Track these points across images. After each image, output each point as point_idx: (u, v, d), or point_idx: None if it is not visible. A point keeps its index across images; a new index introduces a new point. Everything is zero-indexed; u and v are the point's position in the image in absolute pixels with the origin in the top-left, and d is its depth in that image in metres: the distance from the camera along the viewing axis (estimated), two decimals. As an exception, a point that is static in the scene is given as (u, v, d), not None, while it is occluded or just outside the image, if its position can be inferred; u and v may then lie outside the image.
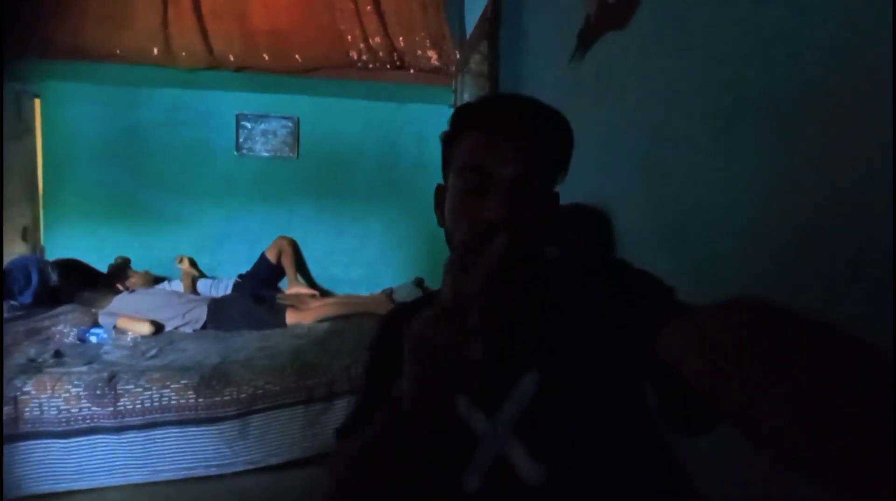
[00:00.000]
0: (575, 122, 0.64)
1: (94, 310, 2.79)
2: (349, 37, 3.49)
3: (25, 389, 1.94)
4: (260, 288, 3.35)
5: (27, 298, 2.84)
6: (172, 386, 2.05)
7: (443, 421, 0.59)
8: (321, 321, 2.94)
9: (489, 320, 0.50)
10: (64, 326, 2.56)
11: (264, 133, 3.67)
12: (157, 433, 2.01)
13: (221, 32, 3.38)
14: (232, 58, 3.53)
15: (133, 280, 3.23)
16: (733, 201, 0.86)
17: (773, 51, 0.78)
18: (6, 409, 1.90)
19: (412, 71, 3.76)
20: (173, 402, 2.03)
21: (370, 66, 3.70)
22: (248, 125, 3.65)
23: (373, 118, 3.72)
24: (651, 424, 0.54)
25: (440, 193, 0.68)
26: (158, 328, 2.74)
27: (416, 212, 3.62)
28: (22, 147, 3.40)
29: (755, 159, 0.81)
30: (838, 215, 0.66)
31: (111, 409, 1.97)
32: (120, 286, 3.15)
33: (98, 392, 1.97)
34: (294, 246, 3.67)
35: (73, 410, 1.95)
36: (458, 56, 3.21)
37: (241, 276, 3.49)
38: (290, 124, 3.68)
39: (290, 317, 2.93)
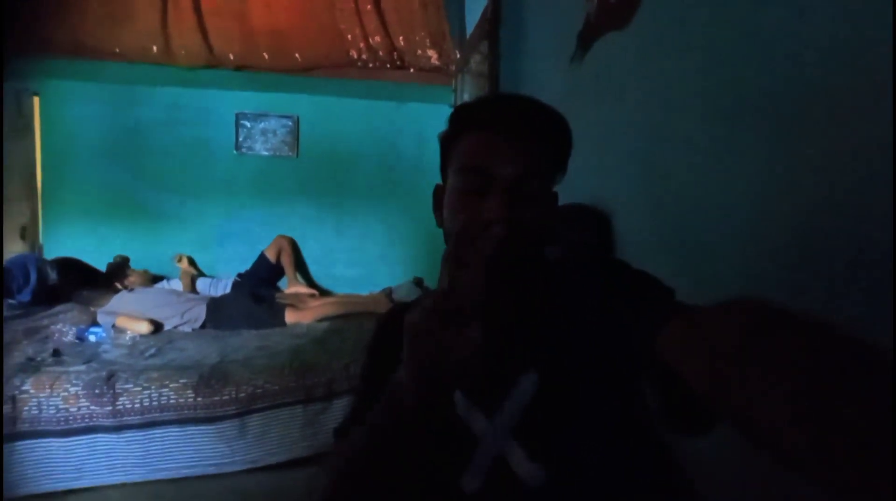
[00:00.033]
0: (575, 122, 0.64)
1: (92, 309, 2.78)
2: (349, 36, 3.49)
3: (24, 388, 1.94)
4: (259, 287, 3.34)
5: (26, 296, 2.83)
6: (171, 385, 2.05)
7: (441, 414, 0.59)
8: (320, 320, 2.94)
9: (488, 318, 0.50)
10: (62, 324, 2.56)
11: (264, 132, 3.67)
12: (157, 432, 2.01)
13: (221, 31, 3.38)
14: (231, 56, 3.53)
15: (132, 279, 3.23)
16: (733, 201, 0.86)
17: (772, 51, 0.78)
18: (5, 408, 1.89)
19: (412, 70, 3.76)
20: (172, 401, 2.03)
21: (370, 65, 3.70)
22: (248, 124, 3.65)
23: (372, 118, 3.72)
24: (651, 424, 0.54)
25: (438, 193, 0.68)
26: (157, 327, 2.74)
27: (415, 211, 3.62)
28: (21, 145, 3.39)
29: (755, 160, 0.81)
30: (838, 215, 0.66)
31: (110, 408, 1.97)
32: (119, 285, 3.15)
33: (97, 391, 1.97)
34: (293, 245, 3.67)
35: (71, 409, 1.95)
36: (459, 55, 3.21)
37: (240, 275, 3.49)
38: (290, 123, 3.68)
39: (290, 316, 2.93)
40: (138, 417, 2.00)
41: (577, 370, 0.56)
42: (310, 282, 3.75)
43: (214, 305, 2.91)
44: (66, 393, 1.95)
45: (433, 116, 3.53)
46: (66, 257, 3.18)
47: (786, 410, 0.32)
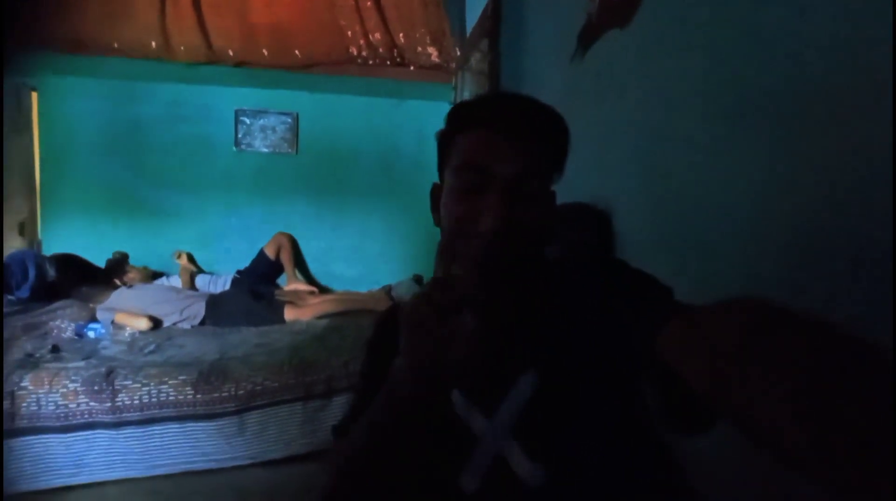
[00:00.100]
0: (576, 120, 0.64)
1: (91, 305, 2.78)
2: (349, 33, 3.48)
3: (23, 384, 1.93)
4: (258, 284, 3.34)
5: (24, 292, 2.83)
6: (170, 382, 2.05)
7: (439, 408, 0.59)
8: (320, 317, 2.94)
9: (485, 315, 0.51)
10: (61, 321, 2.56)
11: (263, 129, 3.66)
12: (156, 428, 2.01)
13: (220, 27, 3.37)
14: (231, 53, 3.52)
15: (131, 275, 3.23)
16: (733, 200, 0.86)
17: (773, 50, 0.78)
18: (4, 404, 1.89)
19: (412, 68, 3.75)
20: (171, 398, 2.03)
21: (370, 62, 3.69)
22: (247, 121, 3.64)
23: (372, 115, 3.72)
24: (651, 424, 0.54)
25: (436, 192, 0.68)
26: (156, 323, 2.74)
27: (415, 209, 3.61)
28: (20, 141, 3.38)
29: (756, 159, 0.81)
30: (838, 214, 0.66)
31: (109, 404, 1.97)
32: (118, 281, 3.15)
33: (96, 388, 1.97)
34: (293, 242, 3.67)
35: (71, 405, 1.95)
36: (459, 53, 3.20)
37: (239, 272, 3.49)
38: (290, 120, 3.67)
39: (289, 313, 2.93)
40: (137, 413, 2.00)
41: (577, 369, 0.56)
42: (309, 279, 3.75)
43: (214, 302, 2.91)
44: (65, 390, 1.95)
45: (433, 114, 3.50)
46: (65, 253, 3.17)
47: (786, 409, 0.32)
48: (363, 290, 3.59)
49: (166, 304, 2.83)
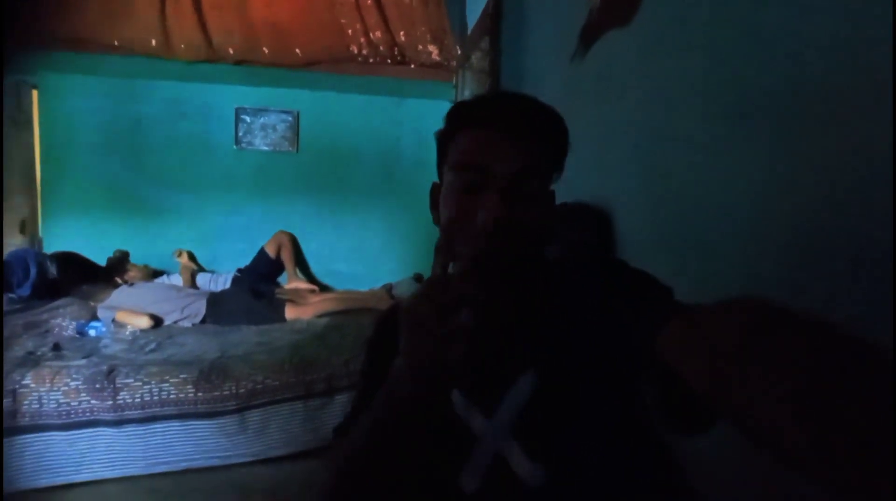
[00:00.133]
0: (576, 119, 0.64)
1: (92, 303, 2.79)
2: (350, 31, 3.48)
3: (24, 382, 1.94)
4: (259, 283, 3.34)
5: (25, 291, 2.83)
6: (171, 380, 2.05)
7: (439, 407, 0.60)
8: (320, 316, 2.94)
9: (484, 314, 0.51)
10: (62, 319, 2.56)
11: (264, 127, 3.66)
12: (157, 426, 2.02)
13: (221, 25, 3.37)
14: (231, 51, 3.52)
15: (132, 274, 3.23)
16: (734, 200, 0.86)
17: (774, 50, 0.78)
18: (5, 402, 1.90)
19: (413, 66, 3.75)
20: (172, 396, 2.03)
21: (370, 60, 3.69)
22: (248, 119, 3.64)
23: (373, 113, 3.71)
24: (651, 424, 0.54)
25: (435, 192, 0.68)
26: (157, 321, 2.74)
27: (415, 207, 3.61)
28: (20, 139, 3.38)
29: (756, 159, 0.81)
30: (838, 215, 0.66)
31: (110, 402, 1.98)
32: (119, 280, 3.15)
33: (97, 386, 1.97)
34: (293, 241, 3.67)
35: (72, 403, 1.96)
36: (460, 51, 3.20)
37: (239, 270, 3.49)
38: (290, 119, 3.67)
39: (290, 312, 2.93)
40: (139, 411, 2.00)
41: (577, 369, 0.56)
42: (310, 278, 3.75)
43: (214, 300, 2.92)
44: (66, 388, 1.96)
45: (434, 112, 3.50)
46: (66, 251, 3.17)
47: (786, 409, 0.32)
48: (364, 288, 3.59)
49: (167, 302, 2.83)
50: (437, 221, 0.66)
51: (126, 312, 2.68)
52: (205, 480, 2.01)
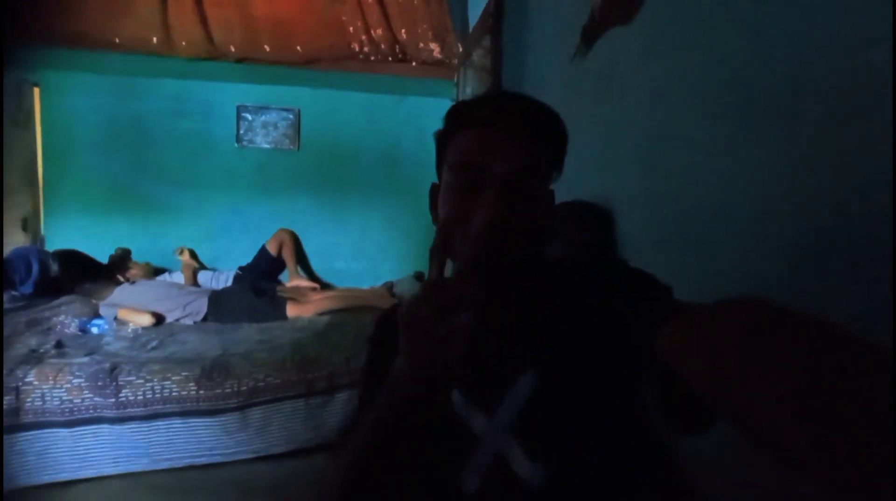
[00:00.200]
0: (578, 118, 0.64)
1: (94, 301, 2.80)
2: (351, 28, 3.47)
3: (27, 379, 1.95)
4: (260, 281, 3.35)
5: (28, 288, 2.84)
6: (173, 378, 2.06)
7: (439, 407, 0.60)
8: (322, 314, 2.95)
9: (482, 313, 0.51)
10: (65, 316, 2.57)
11: (265, 125, 3.66)
12: (160, 423, 2.02)
13: (222, 22, 3.37)
14: (233, 48, 3.51)
15: (134, 271, 3.24)
16: (734, 200, 0.86)
17: (775, 50, 0.77)
18: (8, 399, 1.91)
19: (414, 64, 3.74)
20: (174, 394, 2.04)
21: (372, 58, 3.68)
22: (249, 117, 3.64)
23: (374, 111, 3.71)
24: (651, 424, 0.54)
25: (434, 192, 0.68)
26: (159, 319, 2.75)
27: (416, 205, 3.59)
28: (22, 137, 3.39)
29: (756, 159, 0.81)
30: (838, 215, 0.66)
31: (113, 400, 1.98)
32: (121, 278, 3.16)
33: (100, 383, 1.98)
34: (295, 238, 3.67)
35: (75, 400, 1.96)
36: (461, 49, 3.19)
37: (241, 268, 3.50)
38: (291, 116, 3.67)
39: (291, 310, 2.93)
40: (141, 409, 2.01)
41: (577, 369, 0.56)
42: (311, 276, 3.76)
43: (216, 298, 2.92)
44: (69, 385, 1.97)
45: (435, 110, 3.49)
46: (68, 249, 3.18)
47: (786, 409, 0.32)
48: (365, 286, 3.60)
49: (168, 300, 2.84)
50: (436, 221, 0.66)
51: (128, 309, 2.69)
52: (207, 477, 2.02)
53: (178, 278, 3.36)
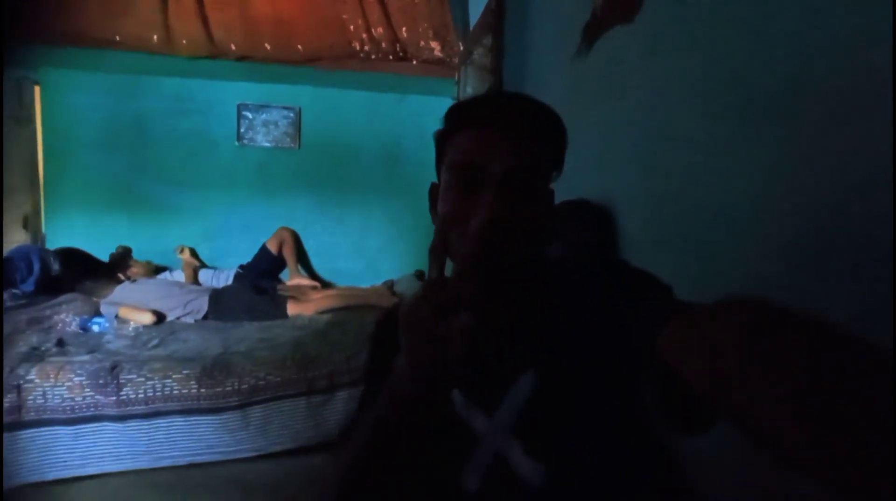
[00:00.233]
0: (579, 117, 0.64)
1: (95, 299, 2.80)
2: (351, 27, 3.47)
3: (29, 377, 1.95)
4: (261, 279, 3.35)
5: (29, 286, 2.85)
6: (174, 376, 2.06)
7: (439, 406, 0.60)
8: (322, 312, 2.95)
9: (481, 312, 0.51)
10: (66, 315, 2.57)
11: (265, 123, 3.66)
12: (161, 421, 2.03)
13: (223, 20, 3.36)
14: (233, 47, 3.51)
15: (134, 270, 3.24)
16: (734, 200, 0.86)
17: (776, 50, 0.77)
18: (10, 397, 1.91)
19: (415, 62, 3.74)
20: (175, 392, 2.05)
21: (372, 56, 3.68)
22: (250, 115, 3.64)
23: (375, 109, 3.71)
24: (651, 424, 0.55)
25: (434, 192, 0.68)
26: (160, 317, 2.75)
27: (417, 204, 3.58)
28: (22, 135, 3.39)
29: (757, 159, 0.81)
30: (839, 215, 0.66)
31: (114, 398, 1.99)
32: (121, 276, 3.16)
33: (101, 382, 1.99)
34: (295, 237, 3.67)
35: (76, 398, 1.97)
36: (462, 48, 3.19)
37: (242, 267, 3.50)
38: (292, 115, 3.67)
39: (292, 308, 2.94)
40: (142, 407, 2.02)
41: (577, 369, 0.56)
42: (311, 274, 3.76)
43: (216, 296, 2.93)
44: (70, 383, 1.97)
45: (436, 109, 3.49)
46: (69, 247, 3.18)
47: (786, 409, 0.32)
48: (365, 285, 3.60)
49: (169, 298, 2.84)
50: (435, 221, 0.66)
51: (129, 308, 2.70)
52: (207, 475, 2.02)
53: (179, 276, 3.37)
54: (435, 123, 0.66)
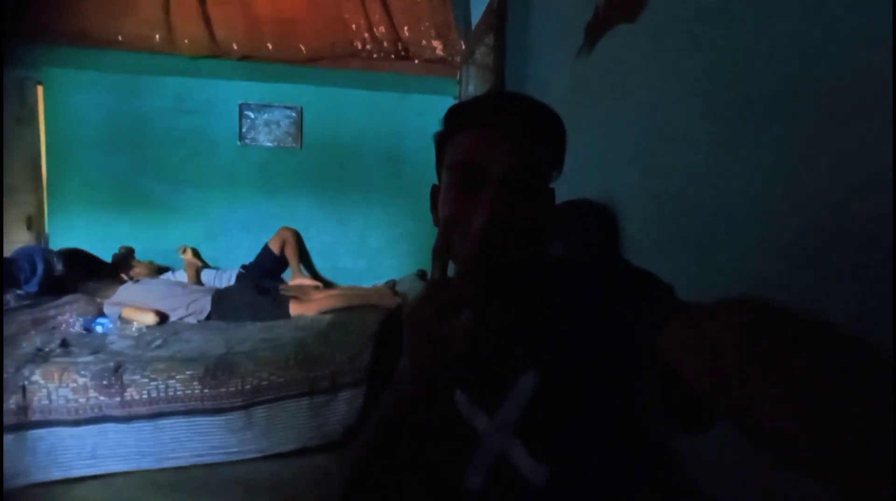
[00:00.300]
0: (581, 117, 0.64)
1: (98, 300, 2.81)
2: (353, 26, 3.47)
3: (34, 378, 1.96)
4: (263, 279, 3.36)
5: (33, 287, 2.86)
6: (178, 377, 2.07)
7: (441, 406, 0.60)
8: (324, 312, 2.95)
9: (482, 312, 0.51)
10: (70, 315, 2.59)
11: (267, 123, 3.66)
12: (165, 422, 2.04)
13: (225, 20, 3.37)
14: (235, 46, 3.52)
15: (137, 270, 3.25)
16: (735, 200, 0.86)
17: (777, 50, 0.77)
18: (15, 398, 1.92)
19: (417, 61, 3.74)
20: (179, 393, 2.05)
21: (374, 55, 3.68)
22: (252, 115, 3.64)
23: (377, 109, 3.71)
24: (651, 424, 0.55)
25: (435, 193, 0.68)
26: (163, 318, 2.76)
27: (419, 203, 3.58)
28: (25, 135, 3.40)
29: (757, 159, 0.81)
30: (839, 214, 0.66)
31: (118, 399, 2.00)
32: (124, 276, 3.17)
33: (105, 382, 1.99)
34: (297, 237, 3.68)
35: (81, 399, 1.98)
36: (464, 47, 3.19)
37: (244, 267, 3.50)
38: (294, 114, 3.67)
39: (294, 308, 2.94)
40: (146, 407, 2.02)
41: (578, 369, 0.56)
42: (313, 274, 3.76)
43: (219, 296, 2.93)
44: (74, 384, 1.98)
45: (437, 108, 3.48)
46: (73, 247, 3.20)
47: (786, 409, 0.32)
48: (368, 284, 3.60)
49: (172, 299, 2.85)
50: (437, 222, 0.66)
51: (132, 308, 2.70)
52: (211, 475, 2.03)
53: (182, 276, 3.37)
54: (437, 122, 0.66)
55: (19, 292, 2.83)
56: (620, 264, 0.63)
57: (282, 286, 3.39)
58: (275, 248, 3.53)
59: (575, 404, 0.56)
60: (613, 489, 0.54)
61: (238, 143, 3.65)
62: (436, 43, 3.58)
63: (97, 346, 2.31)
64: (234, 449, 2.08)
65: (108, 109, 3.47)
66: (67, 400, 1.96)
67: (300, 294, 3.19)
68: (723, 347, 0.38)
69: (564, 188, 0.68)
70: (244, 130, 3.64)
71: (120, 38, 3.40)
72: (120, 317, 2.66)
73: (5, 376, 1.94)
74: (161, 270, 3.46)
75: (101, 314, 2.67)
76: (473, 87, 2.81)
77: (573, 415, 0.55)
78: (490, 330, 0.60)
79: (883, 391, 0.29)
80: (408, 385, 0.54)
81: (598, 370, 0.55)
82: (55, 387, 1.96)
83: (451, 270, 0.57)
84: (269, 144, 3.68)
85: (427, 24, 3.46)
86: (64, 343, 2.28)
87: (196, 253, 3.62)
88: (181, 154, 3.58)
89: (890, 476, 0.26)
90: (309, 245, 3.78)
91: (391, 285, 3.51)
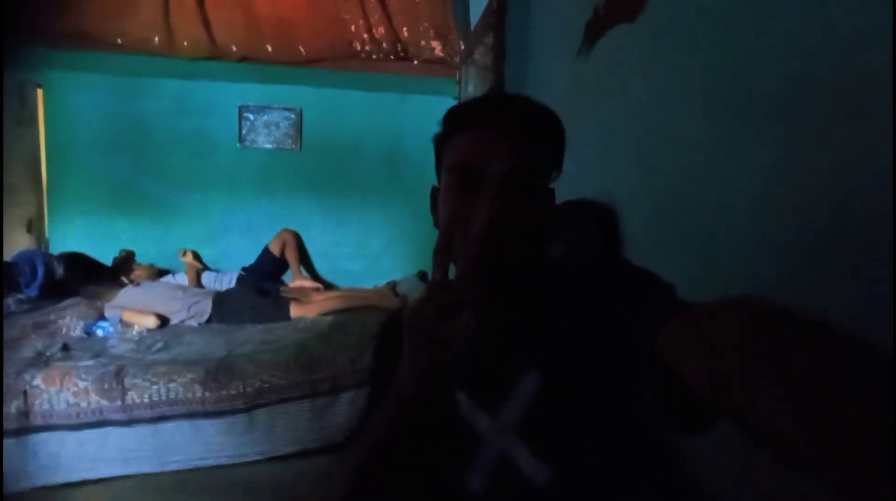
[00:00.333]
0: (581, 117, 0.64)
1: (99, 303, 2.81)
2: (353, 27, 3.47)
3: (35, 383, 1.96)
4: (264, 281, 3.36)
5: (33, 291, 2.86)
6: (179, 380, 2.07)
7: (442, 407, 0.60)
8: (325, 314, 2.95)
9: (482, 312, 0.51)
10: (70, 319, 2.58)
11: (267, 125, 3.66)
12: (167, 425, 2.03)
13: (224, 22, 3.37)
14: (235, 48, 3.52)
15: (138, 273, 3.25)
16: (735, 200, 0.86)
17: (776, 50, 0.77)
18: (17, 402, 1.92)
19: (416, 62, 3.74)
20: (180, 396, 2.05)
21: (374, 56, 3.68)
22: (251, 117, 3.64)
23: (376, 110, 3.71)
24: (651, 424, 0.55)
25: (435, 195, 0.68)
26: (164, 321, 2.76)
27: (419, 204, 3.57)
28: (25, 137, 3.40)
29: (757, 159, 0.81)
30: (839, 214, 0.66)
31: (119, 403, 2.00)
32: (125, 280, 3.17)
33: (106, 386, 1.99)
34: (297, 239, 3.68)
35: (82, 403, 1.98)
36: (463, 47, 3.19)
37: (244, 269, 3.51)
38: (293, 116, 3.67)
39: (294, 310, 2.94)
40: (148, 411, 2.02)
41: (578, 369, 0.56)
42: (314, 276, 3.76)
43: (220, 299, 2.93)
44: (76, 388, 1.98)
45: (437, 109, 3.46)
46: (73, 251, 3.20)
47: (786, 409, 0.32)
48: (368, 286, 3.60)
49: (173, 302, 2.85)
50: (437, 224, 0.66)
51: (132, 311, 2.70)
52: (213, 478, 2.03)
53: (182, 279, 3.38)
54: (436, 123, 0.66)
55: (20, 296, 2.83)
56: (621, 263, 0.63)
57: (282, 288, 3.39)
58: (275, 250, 3.53)
59: (576, 404, 0.56)
60: (614, 489, 0.54)
61: (238, 145, 3.65)
62: (435, 43, 3.58)
63: (98, 350, 2.31)
64: (236, 452, 2.08)
65: (107, 111, 3.48)
66: (68, 404, 1.96)
67: (301, 296, 3.19)
68: (723, 347, 0.38)
69: (564, 188, 0.68)
70: (244, 131, 3.65)
71: (119, 40, 3.40)
72: (121, 320, 2.66)
73: (6, 380, 1.93)
74: (161, 273, 3.46)
75: (102, 318, 2.67)
76: (473, 87, 2.81)
77: (575, 415, 0.55)
78: (491, 331, 0.60)
79: (883, 392, 0.29)
80: (409, 386, 0.54)
81: (599, 370, 0.55)
82: (56, 391, 1.96)
83: (453, 271, 0.57)
84: (269, 146, 3.68)
85: (426, 24, 3.46)
86: (65, 347, 2.28)
87: (196, 256, 3.62)
88: (181, 156, 3.58)
89: (890, 476, 0.26)
90: (309, 247, 3.78)
91: (392, 286, 3.51)
